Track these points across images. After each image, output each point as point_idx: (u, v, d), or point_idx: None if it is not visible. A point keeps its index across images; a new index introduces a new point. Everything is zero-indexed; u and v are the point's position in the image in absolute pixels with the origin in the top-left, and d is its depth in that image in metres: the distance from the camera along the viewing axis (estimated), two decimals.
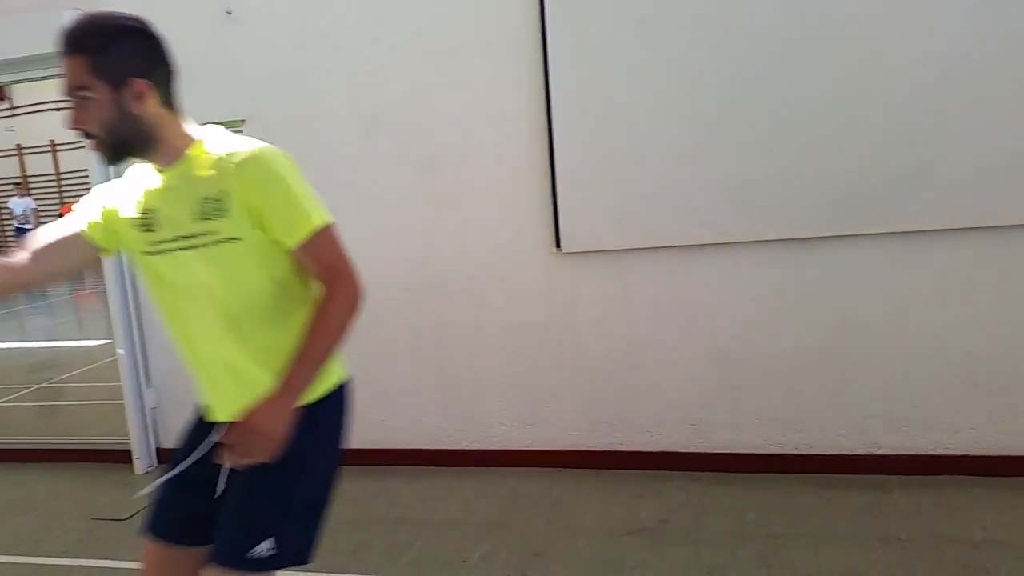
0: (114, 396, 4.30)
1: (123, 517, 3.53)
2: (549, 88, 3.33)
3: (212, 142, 1.63)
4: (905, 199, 3.05)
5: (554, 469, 3.58)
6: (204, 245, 1.56)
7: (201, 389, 1.73)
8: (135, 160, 1.63)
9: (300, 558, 1.65)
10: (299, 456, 1.58)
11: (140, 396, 4.13)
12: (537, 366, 3.60)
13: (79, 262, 1.77)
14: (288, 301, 1.64)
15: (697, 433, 3.43)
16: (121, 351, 4.07)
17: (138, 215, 1.64)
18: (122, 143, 1.56)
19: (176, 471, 1.72)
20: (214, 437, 1.63)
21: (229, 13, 3.70)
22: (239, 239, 1.55)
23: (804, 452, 3.32)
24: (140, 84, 1.54)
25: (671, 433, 3.47)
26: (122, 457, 4.14)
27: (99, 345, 7.51)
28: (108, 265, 4.02)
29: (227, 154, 1.58)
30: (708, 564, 2.69)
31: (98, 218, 1.70)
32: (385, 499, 3.47)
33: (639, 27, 3.19)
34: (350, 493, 3.54)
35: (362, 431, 3.84)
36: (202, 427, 1.74)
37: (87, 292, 12.84)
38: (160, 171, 1.63)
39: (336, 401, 1.72)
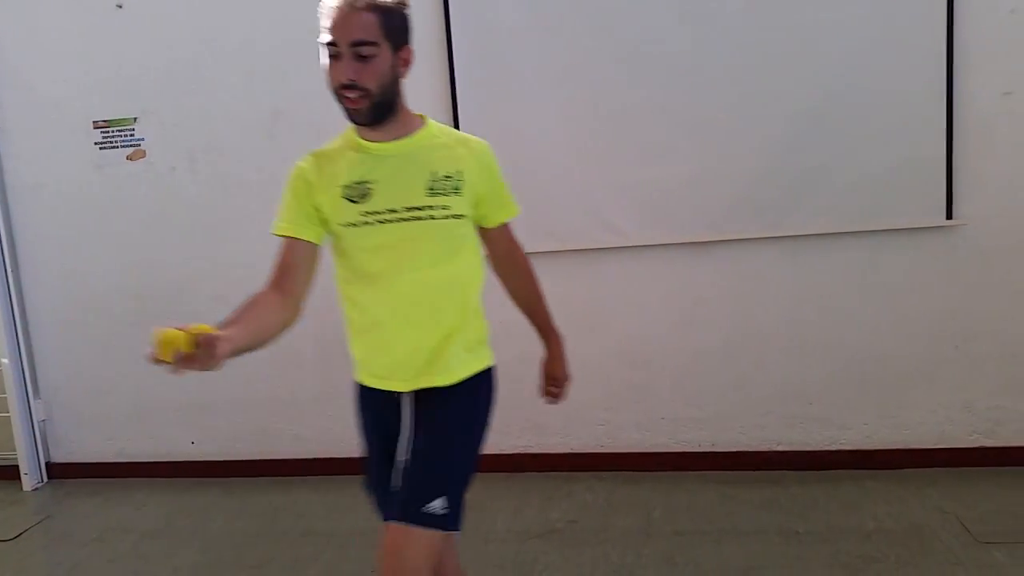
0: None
1: (10, 537, 3.33)
2: (455, 90, 3.31)
3: (439, 126, 1.76)
4: (799, 204, 3.16)
5: None
6: (431, 218, 1.64)
7: (385, 358, 1.75)
8: (379, 125, 1.65)
9: (457, 524, 1.68)
10: (479, 420, 1.79)
11: (28, 408, 3.91)
12: None
13: (313, 268, 1.73)
14: (476, 278, 1.79)
15: (605, 434, 3.47)
16: (5, 360, 3.84)
17: (347, 187, 1.67)
18: (384, 105, 1.61)
19: (407, 452, 1.72)
20: (407, 412, 1.75)
21: (120, 7, 3.53)
22: (463, 216, 1.69)
23: (707, 450, 3.41)
24: (410, 52, 1.65)
25: (579, 434, 3.51)
26: (9, 473, 3.91)
27: None
28: None
29: (459, 139, 1.75)
30: (616, 563, 2.72)
31: (303, 217, 1.70)
32: (292, 511, 3.38)
33: (544, 32, 3.21)
34: (256, 505, 3.46)
35: (268, 441, 3.77)
36: (385, 405, 1.78)
37: None
38: (380, 144, 1.68)
39: (493, 375, 1.87)
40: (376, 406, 1.80)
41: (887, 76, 3.05)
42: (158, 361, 1.33)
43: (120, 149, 3.66)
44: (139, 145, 3.64)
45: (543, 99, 3.27)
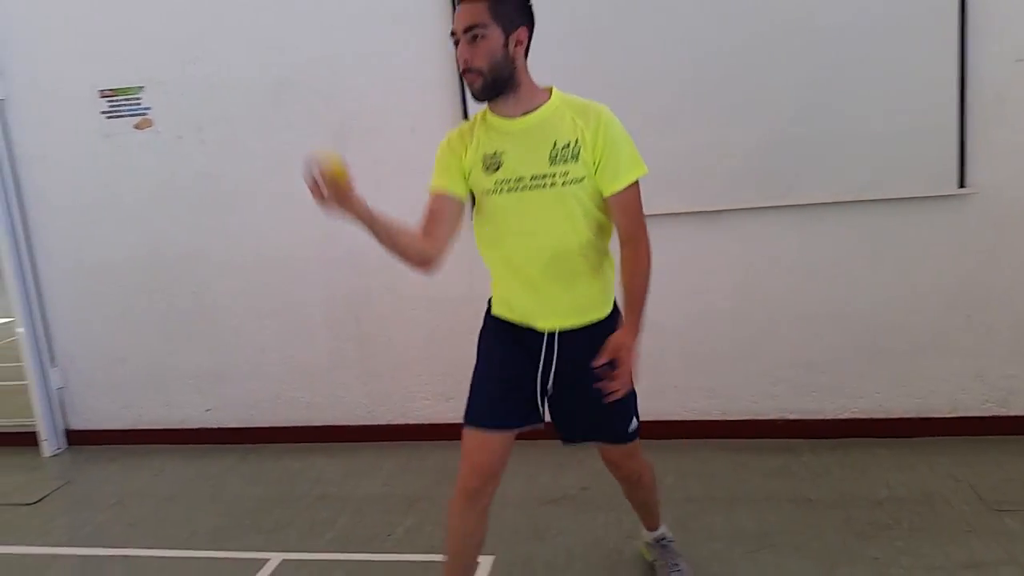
0: (17, 377, 4.09)
1: (32, 501, 3.40)
2: None
3: (562, 97, 1.90)
4: (808, 173, 3.13)
5: None
6: (554, 184, 1.84)
7: (522, 303, 1.98)
8: (498, 99, 1.85)
9: (639, 432, 2.16)
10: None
11: (44, 376, 3.96)
12: (456, 339, 3.57)
13: (457, 222, 1.95)
14: (600, 241, 1.95)
15: None
16: (21, 330, 3.88)
17: (483, 157, 1.88)
18: (497, 81, 1.80)
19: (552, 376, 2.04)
20: (546, 349, 2.00)
21: None
22: (584, 178, 1.85)
23: (717, 418, 3.42)
24: (523, 32, 1.82)
25: None
26: (28, 440, 3.99)
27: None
28: (3, 238, 3.80)
29: (579, 107, 1.88)
30: (627, 529, 2.74)
31: (453, 175, 1.92)
32: (307, 477, 3.42)
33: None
34: (272, 472, 3.50)
35: (281, 409, 3.80)
36: (519, 336, 2.00)
37: None
38: (508, 119, 1.87)
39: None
40: (512, 339, 2.02)
41: (897, 42, 2.99)
42: (318, 176, 1.63)
43: (127, 118, 3.65)
44: (146, 114, 3.63)
45: (549, 67, 3.18)
